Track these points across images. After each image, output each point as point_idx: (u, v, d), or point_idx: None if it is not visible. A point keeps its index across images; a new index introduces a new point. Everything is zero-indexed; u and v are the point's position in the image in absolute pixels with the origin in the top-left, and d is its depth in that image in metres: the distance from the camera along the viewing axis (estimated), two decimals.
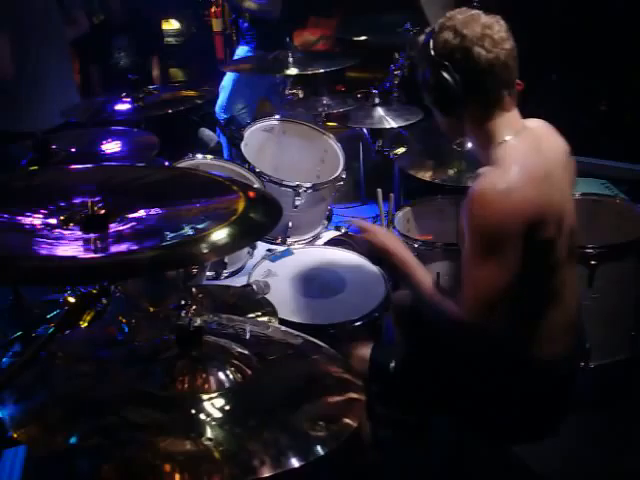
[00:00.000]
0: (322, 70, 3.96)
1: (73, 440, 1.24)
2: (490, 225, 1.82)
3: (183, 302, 1.71)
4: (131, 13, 4.97)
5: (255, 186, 2.83)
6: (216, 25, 5.77)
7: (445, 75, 1.89)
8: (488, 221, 1.82)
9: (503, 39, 1.87)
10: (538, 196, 1.83)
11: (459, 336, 1.92)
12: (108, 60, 4.90)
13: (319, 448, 1.26)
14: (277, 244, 3.05)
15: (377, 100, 3.48)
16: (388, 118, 3.36)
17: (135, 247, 1.35)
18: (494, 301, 1.84)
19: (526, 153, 1.89)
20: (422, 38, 1.98)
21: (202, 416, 1.31)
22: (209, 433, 1.27)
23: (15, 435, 1.26)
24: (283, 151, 3.41)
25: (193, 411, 1.32)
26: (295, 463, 1.22)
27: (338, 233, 3.26)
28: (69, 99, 3.69)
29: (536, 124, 2.01)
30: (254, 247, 2.96)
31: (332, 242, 3.16)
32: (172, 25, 5.97)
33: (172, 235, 1.35)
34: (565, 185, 1.97)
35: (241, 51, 4.70)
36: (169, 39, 5.97)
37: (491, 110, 1.93)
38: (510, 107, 1.94)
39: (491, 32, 1.86)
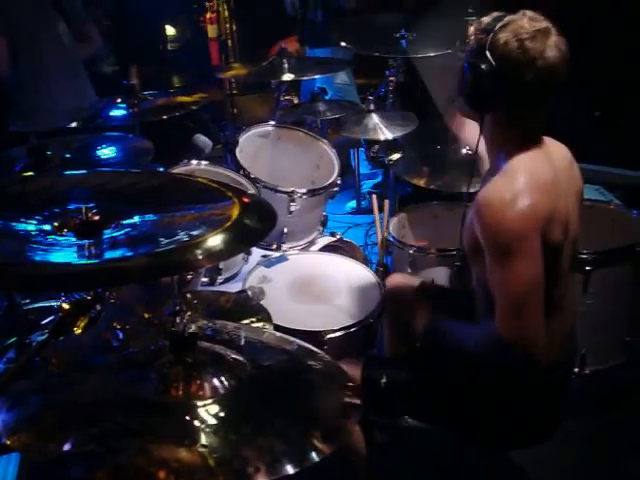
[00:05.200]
0: (317, 76, 3.97)
1: (67, 447, 1.23)
2: (500, 234, 1.82)
3: (178, 308, 1.70)
4: (116, 20, 4.96)
5: (250, 192, 2.83)
6: (211, 31, 5.77)
7: (485, 72, 1.84)
8: (498, 230, 1.82)
9: (557, 65, 1.81)
10: (545, 202, 1.83)
11: (498, 351, 1.89)
12: (89, 67, 4.87)
13: (314, 454, 1.26)
14: (272, 250, 3.05)
15: (372, 106, 3.48)
16: (383, 127, 3.35)
17: (129, 253, 1.35)
18: (527, 306, 1.83)
19: (535, 160, 1.90)
20: (485, 23, 1.88)
21: (196, 422, 1.30)
22: (204, 440, 1.26)
23: (9, 442, 1.25)
24: (278, 157, 3.41)
25: (187, 417, 1.31)
26: (290, 470, 1.22)
27: (333, 239, 3.26)
28: (77, 101, 3.69)
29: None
30: (249, 253, 2.96)
31: (327, 248, 3.17)
32: (168, 31, 5.97)
33: (167, 241, 1.35)
34: (570, 193, 1.97)
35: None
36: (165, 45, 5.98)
37: (516, 123, 1.91)
38: (536, 124, 1.93)
39: (550, 54, 1.80)
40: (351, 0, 4.65)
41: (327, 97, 3.84)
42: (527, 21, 1.83)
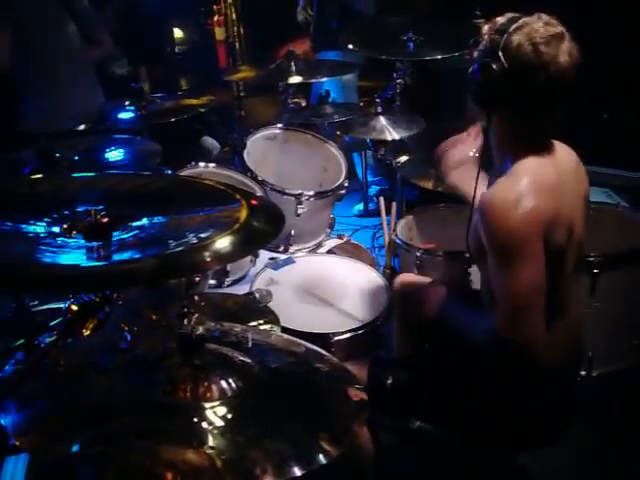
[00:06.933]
0: (324, 79, 3.97)
1: (75, 448, 1.24)
2: (503, 235, 1.82)
3: (185, 310, 1.71)
4: (123, 23, 4.96)
5: (258, 194, 2.84)
6: (219, 34, 5.78)
7: (496, 74, 1.83)
8: (500, 231, 1.82)
9: (568, 71, 1.81)
10: (549, 205, 1.84)
11: (498, 349, 1.89)
12: (100, 70, 4.89)
13: (321, 456, 1.26)
14: (279, 252, 3.05)
15: (379, 109, 3.48)
16: (390, 129, 3.36)
17: (138, 255, 1.36)
18: (527, 308, 1.83)
19: (540, 163, 1.90)
20: (499, 23, 1.86)
21: (204, 424, 1.31)
22: (211, 441, 1.27)
23: (17, 443, 1.26)
24: (285, 159, 3.41)
25: (195, 419, 1.32)
26: (297, 472, 1.22)
27: (340, 241, 3.26)
28: (86, 103, 3.71)
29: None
30: (256, 255, 2.96)
31: (334, 250, 3.17)
32: (175, 34, 5.99)
33: (175, 243, 1.36)
34: (576, 196, 1.97)
35: None
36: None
37: (523, 125, 1.91)
38: (543, 128, 1.93)
39: (562, 60, 1.79)
40: (370, 7, 4.63)
41: (330, 99, 3.85)
42: (542, 25, 1.81)
